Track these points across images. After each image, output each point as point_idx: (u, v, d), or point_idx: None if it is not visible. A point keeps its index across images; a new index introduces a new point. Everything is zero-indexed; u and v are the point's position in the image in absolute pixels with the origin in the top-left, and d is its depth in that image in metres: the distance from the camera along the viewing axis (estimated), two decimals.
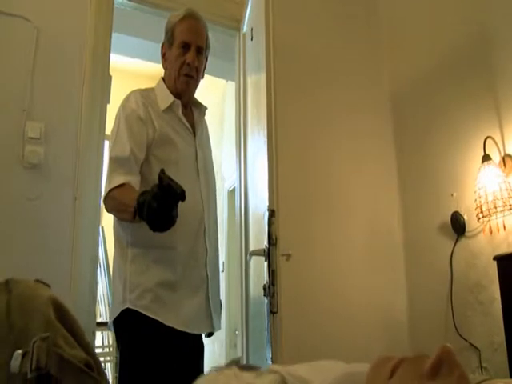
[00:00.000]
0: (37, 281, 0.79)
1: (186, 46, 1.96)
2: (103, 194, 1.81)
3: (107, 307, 5.13)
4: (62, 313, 0.72)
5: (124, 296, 1.74)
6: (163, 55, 2.03)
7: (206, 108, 2.12)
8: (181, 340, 1.78)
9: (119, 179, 1.75)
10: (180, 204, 1.60)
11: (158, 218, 1.54)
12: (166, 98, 1.95)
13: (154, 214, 1.52)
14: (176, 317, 1.75)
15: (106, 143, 2.18)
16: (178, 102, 1.96)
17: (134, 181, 1.77)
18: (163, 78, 2.04)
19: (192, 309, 1.82)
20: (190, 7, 2.03)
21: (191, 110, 2.07)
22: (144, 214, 1.54)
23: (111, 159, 1.81)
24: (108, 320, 1.86)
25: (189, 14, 1.99)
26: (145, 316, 1.71)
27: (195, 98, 2.11)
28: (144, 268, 1.77)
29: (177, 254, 1.81)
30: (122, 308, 1.73)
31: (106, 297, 5.22)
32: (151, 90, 1.99)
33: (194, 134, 2.01)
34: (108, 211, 1.83)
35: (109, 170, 1.80)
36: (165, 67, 2.03)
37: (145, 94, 1.93)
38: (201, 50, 2.01)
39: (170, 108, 1.94)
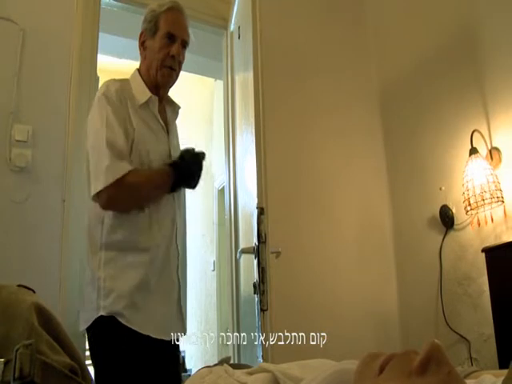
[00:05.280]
0: (20, 286, 0.78)
1: (171, 38, 1.91)
2: (104, 183, 1.67)
3: None
4: (45, 318, 0.71)
5: (98, 303, 1.68)
6: (142, 43, 1.96)
7: (179, 107, 2.07)
8: (156, 347, 1.73)
9: (125, 166, 1.70)
10: (155, 206, 1.80)
11: (198, 175, 1.93)
12: (142, 93, 1.88)
13: (199, 170, 1.93)
14: (151, 323, 1.71)
15: None
16: (156, 98, 1.90)
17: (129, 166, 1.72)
18: (138, 70, 1.96)
19: (166, 314, 1.78)
20: (175, 0, 1.97)
21: (164, 107, 2.00)
22: (187, 171, 1.88)
23: (109, 146, 1.70)
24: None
25: (176, 6, 1.94)
26: (120, 323, 1.65)
27: (169, 96, 2.05)
28: (118, 272, 1.70)
29: (152, 257, 1.76)
30: (96, 316, 1.67)
31: None
32: (126, 81, 1.90)
33: (168, 132, 1.95)
34: (122, 201, 1.74)
35: (105, 157, 1.69)
36: (143, 56, 1.96)
37: (122, 87, 1.85)
38: (185, 45, 1.96)
39: (146, 103, 1.87)
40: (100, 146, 1.71)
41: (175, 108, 2.05)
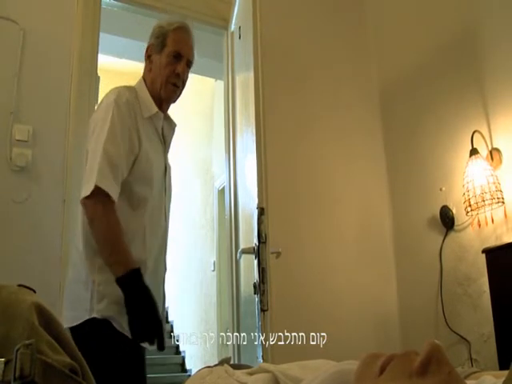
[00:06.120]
0: (20, 285, 0.77)
1: (177, 57, 1.94)
2: (91, 186, 1.64)
3: None
4: (46, 318, 0.71)
5: (91, 305, 1.68)
6: (149, 56, 1.99)
7: (175, 125, 2.07)
8: (140, 352, 1.80)
9: (114, 187, 1.68)
10: (149, 218, 1.79)
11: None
12: (149, 106, 1.91)
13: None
14: None
15: None
16: (161, 114, 1.94)
17: (118, 193, 1.71)
18: (144, 80, 1.98)
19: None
20: (184, 20, 2.01)
21: (163, 123, 2.02)
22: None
23: (107, 154, 1.69)
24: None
25: (185, 27, 1.99)
26: (113, 327, 1.68)
27: (167, 113, 2.07)
28: (113, 279, 1.68)
29: (145, 269, 1.76)
30: (88, 317, 1.67)
31: None
32: (133, 90, 1.92)
33: (165, 148, 1.99)
34: (91, 213, 1.69)
35: (102, 163, 1.68)
36: (149, 68, 1.98)
37: (132, 98, 1.86)
38: (190, 64, 2.01)
39: (151, 117, 1.90)
40: (97, 152, 1.70)
41: (172, 125, 2.06)
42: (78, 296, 1.74)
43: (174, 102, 2.02)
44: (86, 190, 1.65)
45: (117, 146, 1.72)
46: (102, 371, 1.63)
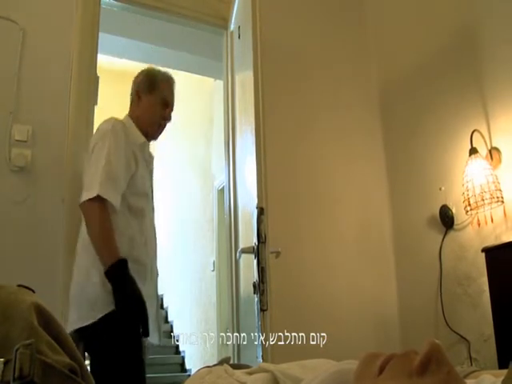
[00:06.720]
0: (20, 286, 0.78)
1: (166, 104, 2.24)
2: (93, 190, 1.88)
3: None
4: (45, 318, 0.71)
5: (109, 299, 1.86)
6: (137, 93, 2.23)
7: (153, 156, 2.32)
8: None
9: (116, 197, 1.93)
10: (148, 227, 2.11)
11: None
12: (137, 136, 2.16)
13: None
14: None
15: None
16: (148, 143, 2.21)
17: (119, 201, 1.95)
18: (130, 116, 2.21)
19: (150, 321, 1.97)
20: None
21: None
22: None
23: (109, 166, 1.93)
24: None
25: (173, 80, 2.31)
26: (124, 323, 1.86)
27: None
28: None
29: (146, 270, 2.04)
30: (107, 311, 1.85)
31: None
32: (123, 123, 2.12)
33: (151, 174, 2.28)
34: (88, 216, 1.93)
35: (104, 175, 1.91)
36: (136, 104, 2.22)
37: (124, 127, 2.10)
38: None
39: (140, 145, 2.16)
40: (99, 164, 1.93)
41: (151, 157, 2.30)
42: (96, 294, 1.89)
43: (156, 139, 2.31)
44: (87, 196, 1.89)
45: (117, 161, 1.96)
46: (125, 361, 1.86)
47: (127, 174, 2.00)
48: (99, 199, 1.87)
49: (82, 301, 1.90)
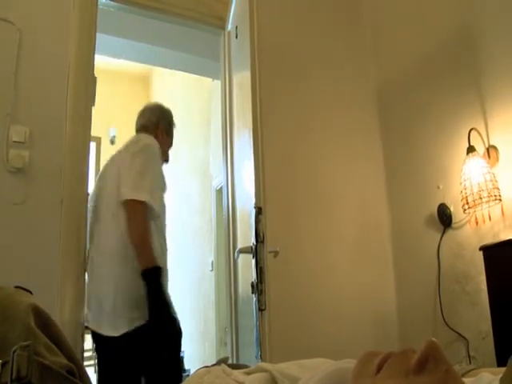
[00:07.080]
0: (17, 287, 0.77)
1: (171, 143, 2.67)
2: (143, 195, 2.12)
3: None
4: (42, 319, 0.71)
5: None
6: (158, 131, 2.53)
7: None
8: None
9: (157, 209, 2.21)
10: (163, 232, 2.30)
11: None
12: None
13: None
14: None
15: (92, 145, 2.25)
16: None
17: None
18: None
19: None
20: None
21: None
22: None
23: (158, 179, 2.26)
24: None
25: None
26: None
27: None
28: None
29: (166, 278, 2.21)
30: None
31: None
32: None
33: None
34: (135, 214, 2.11)
35: (155, 182, 2.22)
36: (155, 134, 2.48)
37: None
38: None
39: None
40: (148, 170, 2.21)
41: None
42: (138, 299, 2.06)
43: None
44: (137, 196, 2.09)
45: (162, 177, 2.28)
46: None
47: (164, 191, 2.29)
48: (146, 205, 2.10)
49: (132, 304, 2.08)
